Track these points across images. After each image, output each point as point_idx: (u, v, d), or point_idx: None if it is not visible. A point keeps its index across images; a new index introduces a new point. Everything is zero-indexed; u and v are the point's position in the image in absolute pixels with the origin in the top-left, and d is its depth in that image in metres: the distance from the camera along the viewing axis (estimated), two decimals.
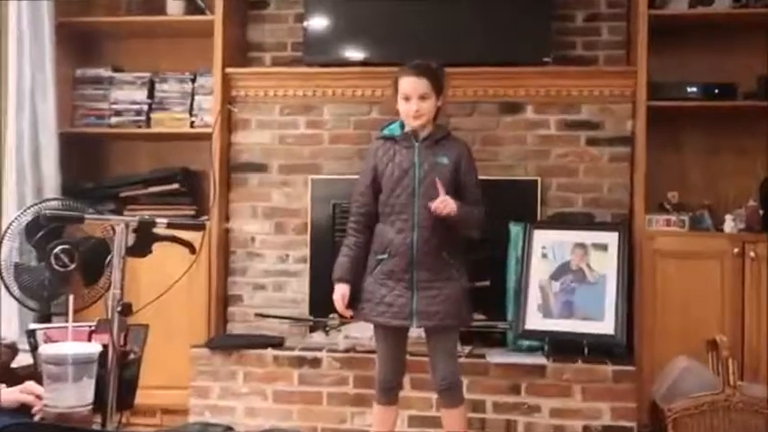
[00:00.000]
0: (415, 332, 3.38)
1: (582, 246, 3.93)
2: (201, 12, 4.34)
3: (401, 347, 3.24)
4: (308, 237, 4.31)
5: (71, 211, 3.17)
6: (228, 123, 4.35)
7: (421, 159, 3.13)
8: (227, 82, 4.30)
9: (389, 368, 3.22)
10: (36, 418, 1.88)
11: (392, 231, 3.12)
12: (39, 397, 1.91)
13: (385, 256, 3.12)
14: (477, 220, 3.17)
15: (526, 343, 3.93)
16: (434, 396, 3.42)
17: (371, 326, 3.28)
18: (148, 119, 4.45)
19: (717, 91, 4.00)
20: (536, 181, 4.14)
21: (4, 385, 1.99)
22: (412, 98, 3.10)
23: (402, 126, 3.20)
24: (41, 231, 3.11)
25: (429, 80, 3.11)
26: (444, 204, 3.03)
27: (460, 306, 3.15)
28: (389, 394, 3.24)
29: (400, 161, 3.14)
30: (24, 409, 1.94)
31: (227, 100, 4.32)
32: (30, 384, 1.97)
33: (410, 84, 3.11)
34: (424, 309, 3.08)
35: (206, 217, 4.21)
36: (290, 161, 4.33)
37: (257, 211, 4.37)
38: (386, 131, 3.26)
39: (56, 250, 3.06)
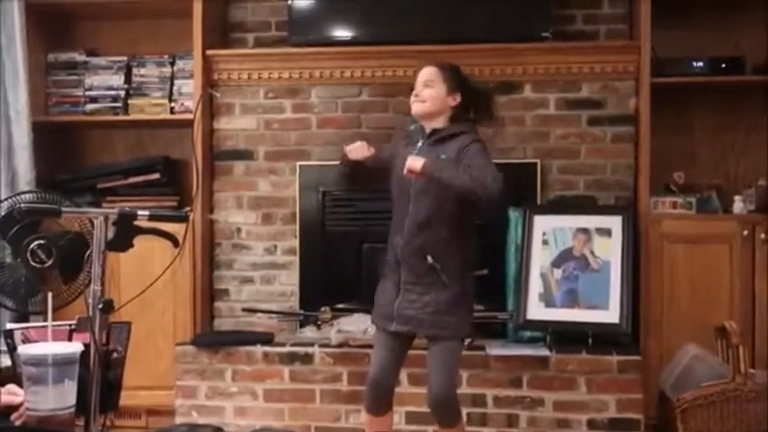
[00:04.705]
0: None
1: (584, 231, 3.96)
2: None
3: (393, 350, 3.17)
4: (296, 227, 4.33)
5: (47, 204, 3.18)
6: (211, 109, 4.36)
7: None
8: (208, 65, 4.31)
9: (377, 369, 3.17)
10: (17, 423, 1.90)
11: (393, 230, 3.18)
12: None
13: (389, 256, 3.19)
14: (481, 183, 2.90)
15: (527, 334, 3.98)
16: None
17: (365, 319, 3.30)
18: (126, 105, 4.46)
19: (724, 65, 4.03)
20: (535, 164, 4.17)
21: None
22: (417, 85, 3.14)
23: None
24: (16, 226, 3.11)
25: (439, 70, 3.12)
26: (413, 164, 2.94)
27: (448, 316, 3.06)
28: (379, 401, 3.17)
29: (403, 162, 3.03)
30: (8, 411, 1.97)
31: (209, 84, 4.34)
32: (11, 387, 1.99)
33: (420, 73, 3.15)
34: (401, 312, 3.09)
35: (189, 208, 4.24)
36: (277, 147, 4.35)
37: (243, 200, 4.39)
38: (412, 126, 3.25)
39: (32, 246, 3.06)
